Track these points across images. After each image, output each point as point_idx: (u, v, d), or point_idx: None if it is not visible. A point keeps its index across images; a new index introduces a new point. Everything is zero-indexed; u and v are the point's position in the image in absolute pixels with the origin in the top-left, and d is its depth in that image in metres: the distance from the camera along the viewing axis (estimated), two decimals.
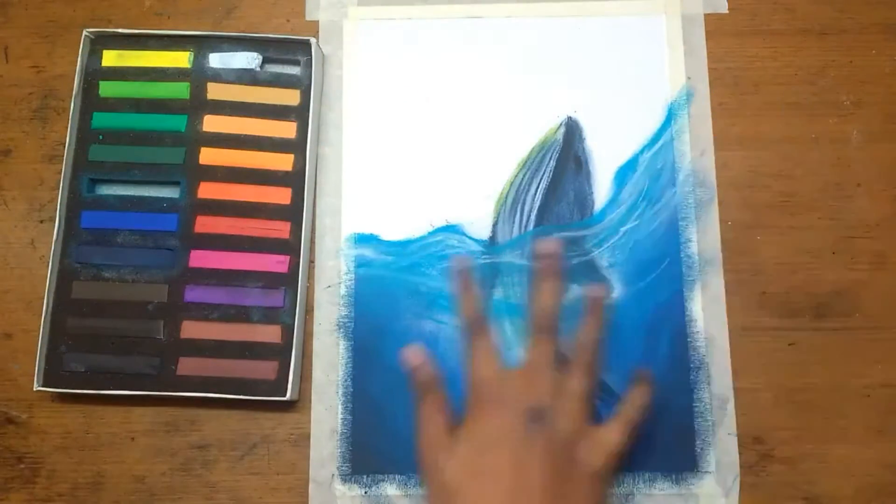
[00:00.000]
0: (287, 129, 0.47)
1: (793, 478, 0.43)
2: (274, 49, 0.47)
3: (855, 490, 0.43)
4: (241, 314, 0.45)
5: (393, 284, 0.46)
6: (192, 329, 0.44)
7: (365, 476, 0.44)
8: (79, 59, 0.47)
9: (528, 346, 0.41)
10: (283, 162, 0.46)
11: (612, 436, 0.39)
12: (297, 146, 0.46)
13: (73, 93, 0.46)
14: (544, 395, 0.39)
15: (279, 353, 0.44)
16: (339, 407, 0.44)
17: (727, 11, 0.49)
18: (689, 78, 0.48)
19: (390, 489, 0.43)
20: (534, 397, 0.39)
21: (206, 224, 0.45)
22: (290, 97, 0.47)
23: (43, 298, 0.45)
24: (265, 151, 0.46)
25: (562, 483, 0.37)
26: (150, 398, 0.44)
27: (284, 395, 0.43)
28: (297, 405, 0.45)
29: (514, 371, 0.41)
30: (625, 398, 0.42)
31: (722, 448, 0.43)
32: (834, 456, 0.44)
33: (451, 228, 0.46)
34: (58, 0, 0.50)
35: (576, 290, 0.45)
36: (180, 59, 0.47)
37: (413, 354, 0.42)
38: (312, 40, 0.47)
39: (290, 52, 0.47)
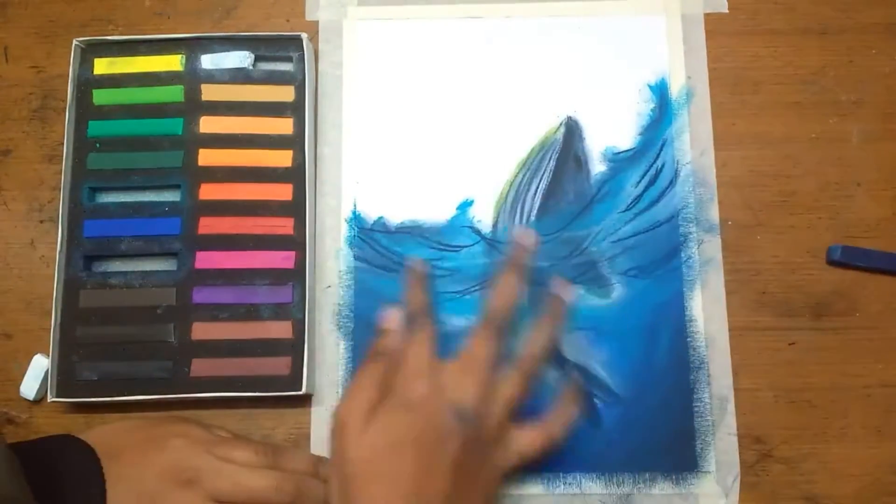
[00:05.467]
0: (284, 126, 0.47)
1: (793, 478, 0.43)
2: (265, 47, 0.48)
3: (855, 490, 0.43)
4: (250, 312, 0.45)
5: (393, 285, 0.46)
6: (203, 330, 0.44)
7: None
8: (70, 68, 0.46)
9: (470, 338, 0.39)
10: (282, 158, 0.46)
11: (528, 443, 0.38)
12: (295, 142, 0.46)
13: (67, 103, 0.46)
14: (473, 394, 0.37)
15: (291, 348, 0.44)
16: None
17: (727, 11, 0.49)
18: (689, 77, 0.48)
19: None
20: (462, 394, 0.37)
21: (209, 225, 0.45)
22: (285, 93, 0.47)
23: (43, 298, 0.45)
24: (264, 149, 0.46)
25: (465, 486, 0.36)
26: (160, 401, 0.44)
27: (300, 389, 0.43)
28: (297, 405, 0.45)
29: (448, 363, 0.39)
30: (554, 408, 0.40)
31: (722, 448, 0.43)
32: (834, 456, 0.44)
33: (453, 227, 0.46)
34: (58, 0, 0.50)
35: (580, 295, 0.45)
36: (172, 62, 0.47)
37: (391, 317, 0.39)
38: (303, 35, 0.47)
39: (282, 48, 0.47)
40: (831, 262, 0.45)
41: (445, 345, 0.44)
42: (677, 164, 0.47)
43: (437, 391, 0.37)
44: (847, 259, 0.44)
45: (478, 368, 0.38)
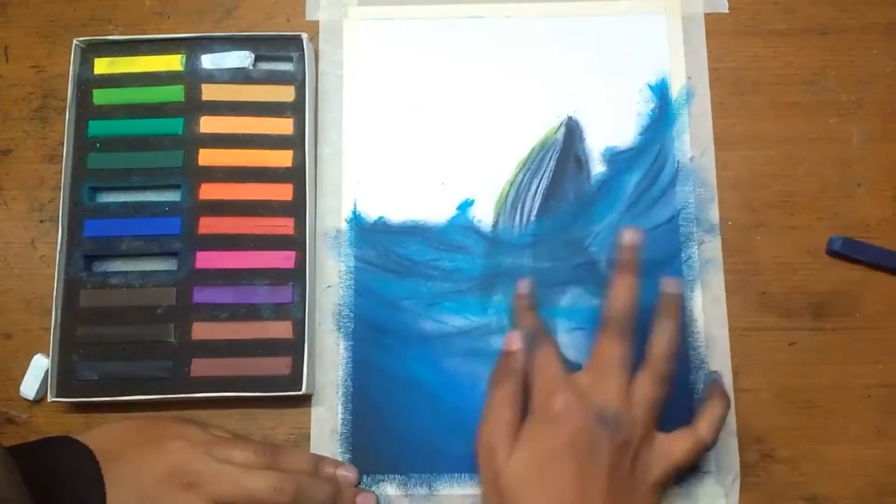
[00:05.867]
0: (284, 126, 0.47)
1: (793, 478, 0.43)
2: (265, 47, 0.48)
3: (855, 490, 0.43)
4: (251, 312, 0.45)
5: (393, 285, 0.46)
6: (203, 330, 0.44)
7: (365, 476, 0.44)
8: (70, 68, 0.46)
9: (597, 344, 0.40)
10: (282, 158, 0.46)
11: (678, 449, 0.38)
12: (295, 142, 0.46)
13: (68, 102, 0.46)
14: (613, 398, 0.37)
15: (291, 348, 0.44)
16: (339, 407, 0.44)
17: (727, 11, 0.49)
18: (689, 78, 0.48)
19: (390, 489, 0.43)
20: (602, 400, 0.37)
21: (209, 225, 0.45)
22: (285, 93, 0.47)
23: (43, 298, 0.45)
24: (264, 149, 0.46)
25: (622, 494, 0.36)
26: (160, 401, 0.44)
27: (300, 390, 0.43)
28: (297, 405, 0.45)
29: (580, 372, 0.39)
30: (700, 412, 0.40)
31: (722, 448, 0.43)
32: (834, 456, 0.44)
33: (453, 227, 0.46)
34: (58, 0, 0.50)
35: (580, 295, 0.45)
36: (172, 62, 0.47)
37: (514, 339, 0.40)
38: (303, 35, 0.47)
39: (282, 48, 0.47)
40: (831, 254, 0.45)
41: (450, 344, 0.45)
42: (678, 164, 0.47)
43: (577, 400, 0.37)
44: (847, 251, 0.44)
45: (612, 372, 0.38)
